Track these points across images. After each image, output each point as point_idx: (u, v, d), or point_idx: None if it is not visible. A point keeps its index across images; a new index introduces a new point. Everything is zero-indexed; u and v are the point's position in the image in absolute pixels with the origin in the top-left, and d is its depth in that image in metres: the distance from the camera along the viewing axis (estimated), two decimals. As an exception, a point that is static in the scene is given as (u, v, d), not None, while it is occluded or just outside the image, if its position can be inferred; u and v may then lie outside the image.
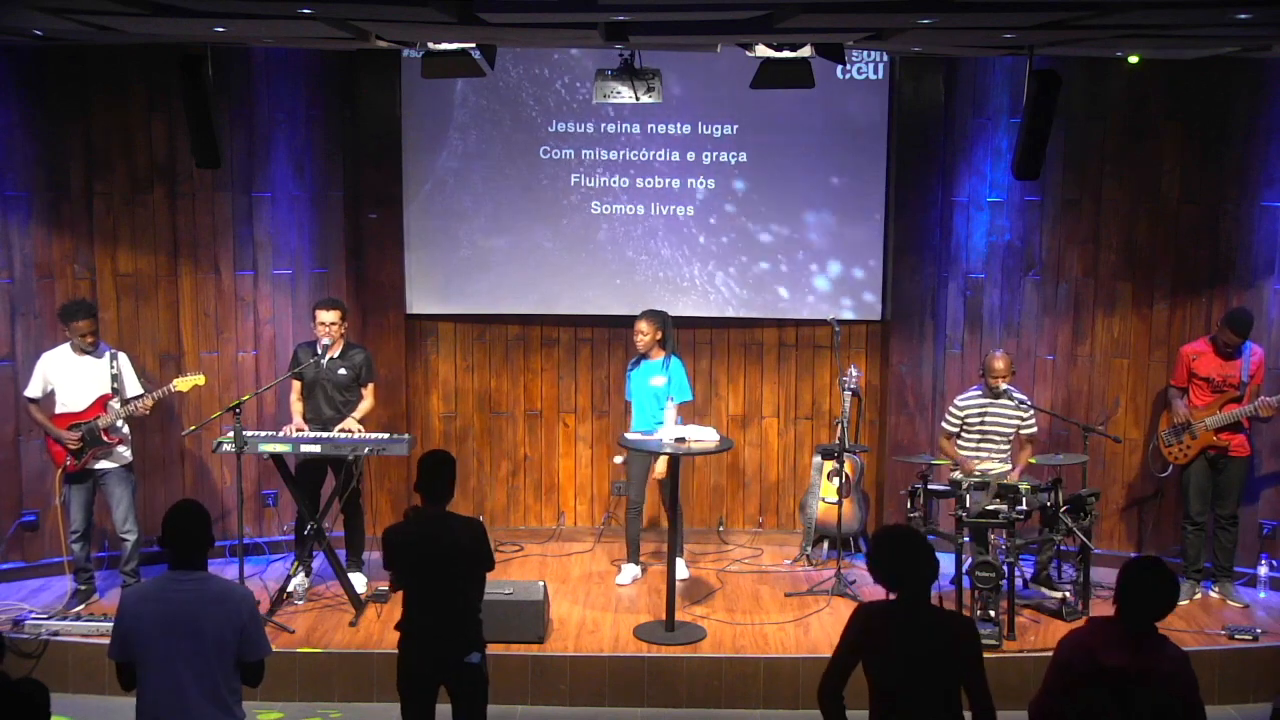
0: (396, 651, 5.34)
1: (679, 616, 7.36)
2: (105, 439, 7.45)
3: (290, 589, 7.64)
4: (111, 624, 4.52)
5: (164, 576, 4.46)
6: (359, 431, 7.61)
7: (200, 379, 7.65)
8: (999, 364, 7.65)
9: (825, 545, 8.63)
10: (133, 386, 7.61)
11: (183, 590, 4.39)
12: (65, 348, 7.53)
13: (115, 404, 7.47)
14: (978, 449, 7.75)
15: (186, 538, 4.43)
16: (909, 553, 4.27)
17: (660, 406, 7.87)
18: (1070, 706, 4.15)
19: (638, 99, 7.23)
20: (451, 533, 5.26)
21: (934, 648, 4.18)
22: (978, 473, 7.52)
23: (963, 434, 7.79)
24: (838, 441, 8.29)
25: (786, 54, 6.81)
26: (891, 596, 4.32)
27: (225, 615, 4.38)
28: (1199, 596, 7.92)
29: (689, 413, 8.70)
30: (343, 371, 7.74)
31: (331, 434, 7.59)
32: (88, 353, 7.47)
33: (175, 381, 7.56)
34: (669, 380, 7.95)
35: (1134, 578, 4.16)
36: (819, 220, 8.71)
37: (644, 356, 8.01)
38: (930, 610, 4.27)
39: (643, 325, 7.95)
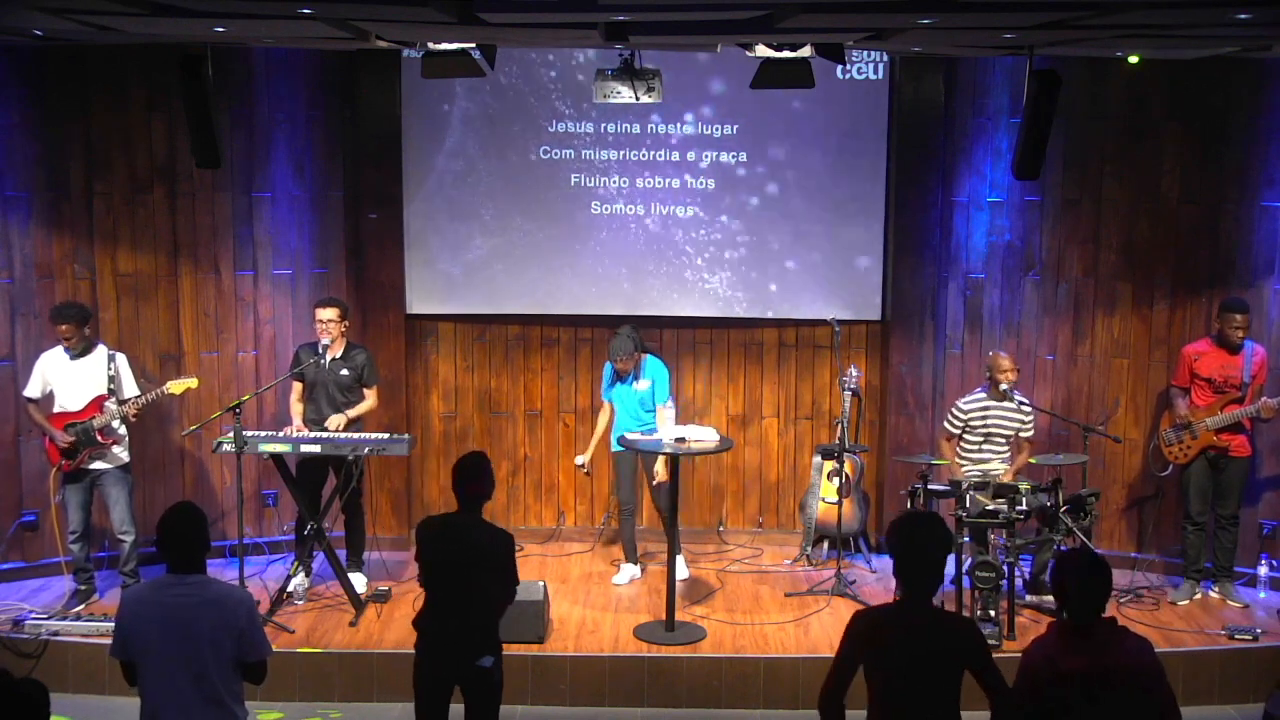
0: (413, 651, 5.35)
1: (679, 616, 7.36)
2: (99, 439, 7.45)
3: (290, 589, 7.64)
4: (111, 624, 4.52)
5: (163, 579, 4.47)
6: (340, 427, 7.59)
7: (193, 382, 7.65)
8: (1006, 361, 7.66)
9: (825, 545, 8.63)
10: (130, 387, 7.61)
11: (181, 594, 4.39)
12: (60, 347, 7.53)
13: (111, 404, 7.47)
14: (980, 450, 7.75)
15: (182, 541, 4.44)
16: (919, 545, 4.25)
17: (647, 409, 7.93)
18: (1036, 711, 4.13)
19: (638, 99, 7.24)
20: (475, 541, 5.27)
21: (934, 649, 4.17)
22: (978, 472, 7.53)
23: (965, 436, 7.79)
24: (838, 441, 8.29)
25: (786, 54, 6.81)
26: (895, 598, 4.31)
27: (222, 619, 4.39)
28: (1199, 596, 7.92)
29: (688, 412, 8.73)
30: (344, 372, 7.74)
31: (331, 434, 7.58)
32: (78, 354, 7.47)
33: (169, 384, 7.56)
34: (653, 381, 7.97)
35: (1069, 574, 4.17)
36: (819, 220, 8.71)
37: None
38: (931, 612, 4.27)
39: (625, 363, 7.88)
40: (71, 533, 7.56)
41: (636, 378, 7.97)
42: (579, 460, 8.26)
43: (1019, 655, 6.76)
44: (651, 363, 8.03)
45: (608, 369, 8.16)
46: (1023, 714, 4.16)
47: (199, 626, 4.35)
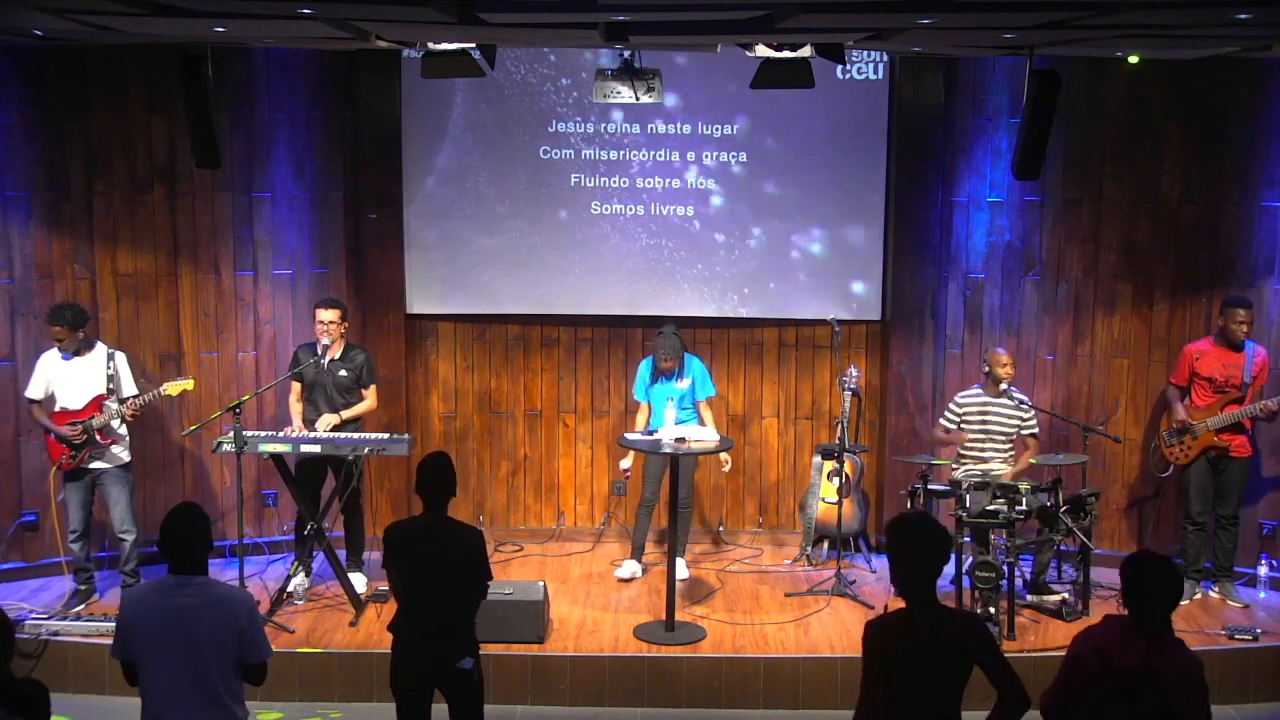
0: (389, 652, 5.35)
1: (679, 616, 7.36)
2: (99, 439, 7.44)
3: (290, 589, 7.64)
4: (111, 623, 4.53)
5: (165, 580, 4.47)
6: (330, 427, 7.58)
7: (190, 383, 7.65)
8: (1005, 356, 7.68)
9: (825, 545, 8.63)
10: (129, 386, 7.61)
11: (182, 595, 4.40)
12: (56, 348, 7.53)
13: (111, 404, 7.47)
14: (982, 449, 7.75)
15: (184, 543, 4.45)
16: (917, 547, 4.24)
17: (682, 405, 7.95)
18: (1081, 703, 4.14)
19: (638, 99, 7.24)
20: (447, 539, 5.26)
21: (944, 651, 4.18)
22: (979, 472, 7.53)
23: (964, 433, 7.79)
24: (838, 441, 8.29)
25: (786, 54, 6.81)
26: (897, 605, 4.31)
27: (222, 620, 4.40)
28: (1199, 596, 7.92)
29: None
30: (343, 373, 7.74)
31: (331, 435, 7.58)
32: (75, 353, 7.46)
33: (165, 386, 7.56)
34: (694, 380, 8.01)
35: (1147, 574, 4.14)
36: (819, 220, 8.71)
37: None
38: (937, 611, 4.26)
39: (671, 361, 7.94)
40: (72, 532, 7.55)
41: (680, 376, 7.99)
42: (624, 464, 8.24)
43: (1019, 655, 6.84)
44: (691, 360, 8.08)
45: (643, 369, 8.19)
46: (1061, 706, 4.17)
47: (200, 627, 4.36)
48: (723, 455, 8.07)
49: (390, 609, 7.55)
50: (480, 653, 5.37)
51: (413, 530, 5.32)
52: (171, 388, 7.55)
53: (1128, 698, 4.06)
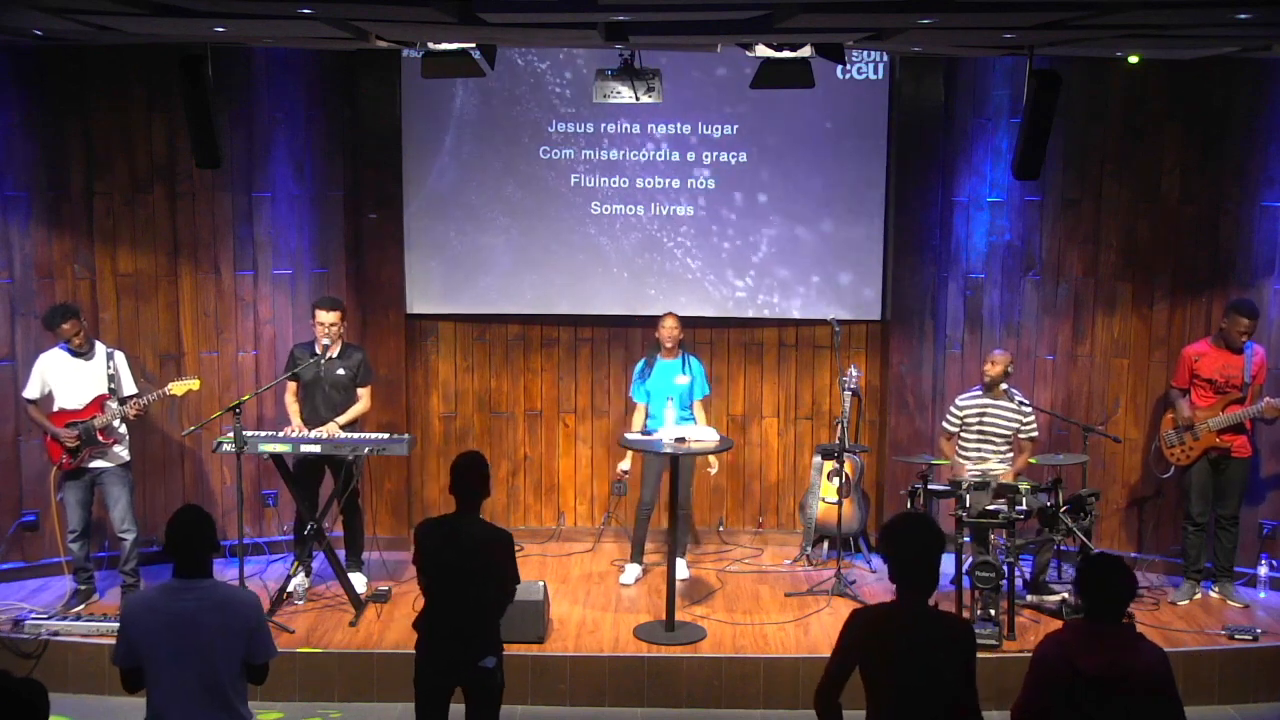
0: (413, 651, 5.36)
1: (679, 616, 7.36)
2: (100, 439, 7.45)
3: (290, 589, 7.64)
4: (111, 624, 4.52)
5: (170, 584, 4.46)
6: (334, 435, 7.59)
7: (195, 383, 7.65)
8: (994, 355, 7.76)
9: (825, 545, 8.63)
10: (129, 386, 7.61)
11: (187, 599, 4.39)
12: (60, 349, 7.52)
13: (113, 404, 7.47)
14: (979, 449, 7.75)
15: (188, 547, 4.44)
16: (922, 547, 4.25)
17: (682, 404, 7.97)
18: (1051, 709, 4.13)
19: (638, 99, 7.24)
20: (473, 540, 5.27)
21: (933, 650, 4.17)
22: (978, 472, 7.53)
23: (963, 434, 7.80)
24: (838, 441, 8.29)
25: (786, 54, 6.81)
26: (891, 598, 4.31)
27: (230, 623, 4.40)
28: (1199, 596, 7.92)
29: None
30: (341, 372, 7.74)
31: (331, 435, 7.58)
32: (81, 353, 7.47)
33: (170, 385, 7.55)
34: (693, 378, 8.04)
35: (1095, 574, 4.21)
36: (819, 220, 8.71)
37: (657, 356, 8.07)
38: (928, 611, 4.27)
39: (672, 321, 8.09)
40: (71, 532, 7.55)
41: (684, 369, 8.02)
42: (622, 466, 8.25)
43: (1019, 655, 6.83)
44: (690, 358, 8.12)
45: (638, 370, 8.21)
46: (1032, 713, 4.16)
47: (207, 631, 4.36)
48: (711, 458, 8.07)
49: (389, 610, 7.58)
50: (504, 653, 5.38)
51: (441, 528, 5.33)
52: (177, 387, 7.54)
53: (1098, 701, 4.04)
